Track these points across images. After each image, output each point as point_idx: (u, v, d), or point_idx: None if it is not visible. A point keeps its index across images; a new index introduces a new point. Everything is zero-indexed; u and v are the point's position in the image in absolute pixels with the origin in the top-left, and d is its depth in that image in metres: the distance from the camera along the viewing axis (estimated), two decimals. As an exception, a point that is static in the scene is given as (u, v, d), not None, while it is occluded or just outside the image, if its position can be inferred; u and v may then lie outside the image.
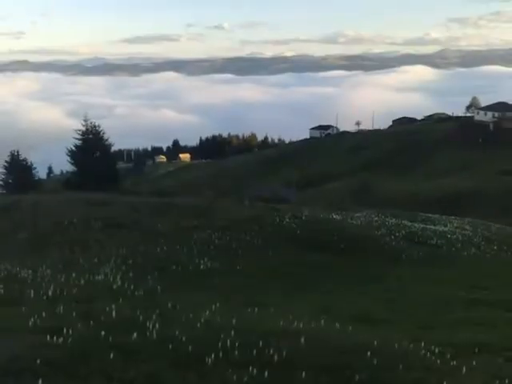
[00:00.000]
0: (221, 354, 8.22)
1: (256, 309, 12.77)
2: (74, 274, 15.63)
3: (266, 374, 7.67)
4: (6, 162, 63.15)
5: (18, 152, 64.48)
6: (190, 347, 8.41)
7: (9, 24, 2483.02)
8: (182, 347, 8.46)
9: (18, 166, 63.41)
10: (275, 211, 30.95)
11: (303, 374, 7.73)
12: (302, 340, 9.04)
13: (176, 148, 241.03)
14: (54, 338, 8.55)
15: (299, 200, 59.84)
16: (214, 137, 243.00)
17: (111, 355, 7.99)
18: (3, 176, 62.55)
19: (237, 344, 8.59)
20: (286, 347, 8.61)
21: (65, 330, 8.88)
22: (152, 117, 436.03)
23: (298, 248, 25.31)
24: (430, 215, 40.67)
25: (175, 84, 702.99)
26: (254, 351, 8.45)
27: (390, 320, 13.83)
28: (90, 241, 22.62)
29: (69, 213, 27.02)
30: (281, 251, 24.39)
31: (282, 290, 17.99)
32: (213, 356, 8.08)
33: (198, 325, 9.93)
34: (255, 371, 7.71)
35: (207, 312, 10.95)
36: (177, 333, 9.07)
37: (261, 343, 8.65)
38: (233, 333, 9.01)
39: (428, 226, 33.83)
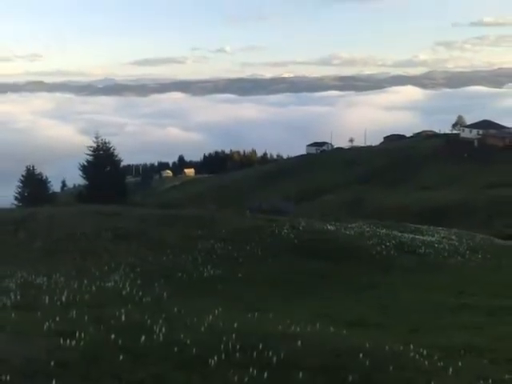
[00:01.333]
0: (223, 356, 8.22)
1: (256, 314, 12.77)
2: (85, 281, 15.62)
3: (266, 374, 7.67)
4: (23, 176, 63.20)
5: (33, 167, 64.55)
6: (194, 350, 8.41)
7: (25, 47, 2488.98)
8: (186, 350, 8.46)
9: (34, 180, 63.45)
10: (274, 222, 30.93)
11: (300, 374, 7.73)
12: (299, 343, 9.04)
13: (181, 163, 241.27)
14: (67, 341, 8.55)
15: (296, 212, 59.77)
16: (216, 153, 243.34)
17: (120, 357, 8.00)
18: (20, 189, 62.55)
19: (238, 346, 8.59)
20: (284, 349, 8.61)
21: (77, 334, 8.88)
22: (159, 134, 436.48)
23: (296, 257, 25.33)
24: (418, 226, 40.62)
25: (181, 103, 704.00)
26: (254, 353, 8.45)
27: (382, 324, 13.83)
28: (100, 250, 22.61)
29: (81, 224, 27.03)
30: (279, 260, 24.41)
31: (280, 297, 17.99)
32: (215, 358, 8.08)
33: (202, 329, 9.92)
34: (255, 372, 7.71)
35: (210, 317, 10.95)
36: (182, 336, 9.06)
37: (260, 346, 8.65)
38: (234, 336, 9.01)
39: (417, 237, 33.78)
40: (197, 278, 19.79)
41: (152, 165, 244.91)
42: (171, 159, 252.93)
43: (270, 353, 8.41)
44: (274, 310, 14.25)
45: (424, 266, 26.29)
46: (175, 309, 11.84)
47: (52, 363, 7.59)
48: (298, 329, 10.68)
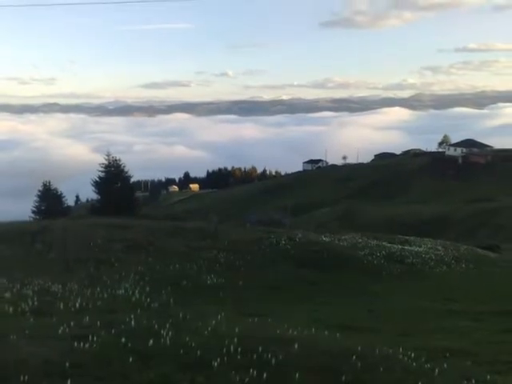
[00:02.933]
0: (225, 358, 8.21)
1: (256, 318, 12.76)
2: (98, 289, 15.63)
3: (265, 375, 7.66)
4: (39, 191, 63.19)
5: (49, 182, 64.55)
6: (198, 352, 8.41)
7: (42, 71, 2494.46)
8: (191, 352, 8.46)
9: (50, 195, 63.45)
10: (272, 234, 30.95)
11: (296, 375, 7.74)
12: (296, 346, 9.04)
13: (186, 179, 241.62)
14: (81, 344, 8.55)
15: (293, 224, 59.75)
16: (219, 169, 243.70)
17: (130, 359, 8.00)
18: (37, 203, 62.52)
19: (239, 349, 8.58)
20: (282, 352, 8.61)
21: (90, 337, 8.89)
22: (166, 152, 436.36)
23: (293, 266, 25.34)
24: (406, 237, 40.62)
25: (186, 124, 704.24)
26: (255, 356, 8.44)
27: (373, 328, 13.82)
28: (112, 259, 22.61)
29: (93, 235, 27.02)
30: (277, 269, 24.41)
31: (279, 302, 17.98)
32: (218, 360, 8.08)
33: (206, 332, 9.91)
34: (255, 373, 7.71)
35: (213, 321, 10.93)
36: (187, 339, 9.06)
37: (260, 349, 8.64)
38: (236, 340, 9.00)
39: (405, 247, 33.79)
40: (201, 286, 19.79)
41: (159, 181, 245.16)
42: (177, 175, 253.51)
43: (269, 355, 8.41)
44: (272, 315, 14.24)
45: (412, 275, 26.32)
46: (181, 314, 11.82)
47: (67, 364, 7.60)
48: (295, 333, 10.67)
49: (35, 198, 62.96)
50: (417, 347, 10.42)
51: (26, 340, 8.88)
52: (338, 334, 11.19)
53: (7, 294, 14.11)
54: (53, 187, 64.83)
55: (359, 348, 9.24)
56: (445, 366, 9.01)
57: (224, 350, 8.54)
